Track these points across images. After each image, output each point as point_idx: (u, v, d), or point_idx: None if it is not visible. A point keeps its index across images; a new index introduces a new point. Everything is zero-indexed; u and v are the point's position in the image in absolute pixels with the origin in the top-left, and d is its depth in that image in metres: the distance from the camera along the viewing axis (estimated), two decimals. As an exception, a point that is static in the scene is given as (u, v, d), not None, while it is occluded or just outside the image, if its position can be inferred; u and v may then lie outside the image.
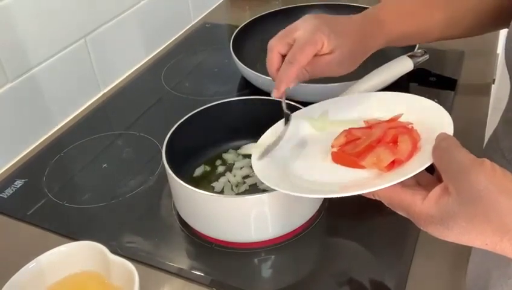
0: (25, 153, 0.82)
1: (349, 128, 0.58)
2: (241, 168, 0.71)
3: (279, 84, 0.60)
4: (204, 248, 0.62)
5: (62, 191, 0.73)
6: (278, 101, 0.71)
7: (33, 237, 0.66)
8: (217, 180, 0.70)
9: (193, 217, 0.63)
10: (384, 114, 0.59)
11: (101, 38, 0.93)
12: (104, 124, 0.87)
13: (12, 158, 0.80)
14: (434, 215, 0.41)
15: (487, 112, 0.86)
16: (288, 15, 1.00)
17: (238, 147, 0.74)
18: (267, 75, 0.83)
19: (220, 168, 0.72)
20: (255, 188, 0.68)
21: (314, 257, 0.60)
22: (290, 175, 0.55)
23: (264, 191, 0.59)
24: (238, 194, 0.67)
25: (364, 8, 1.00)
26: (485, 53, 0.97)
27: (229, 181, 0.69)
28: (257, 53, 0.97)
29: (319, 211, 0.64)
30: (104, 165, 0.77)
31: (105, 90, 0.96)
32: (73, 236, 0.64)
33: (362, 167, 0.52)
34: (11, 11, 0.75)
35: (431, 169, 0.46)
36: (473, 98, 0.87)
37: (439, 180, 0.44)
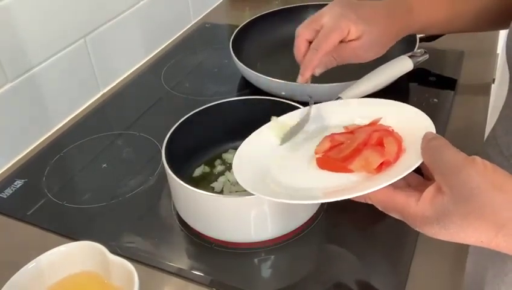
0: (24, 153, 0.82)
1: (331, 134, 0.57)
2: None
3: (304, 70, 0.61)
4: (204, 248, 0.62)
5: (62, 191, 0.73)
6: (278, 101, 0.71)
7: (33, 237, 0.66)
8: (216, 180, 0.70)
9: (193, 217, 0.63)
10: (363, 120, 0.58)
11: (101, 38, 0.93)
12: (104, 124, 0.87)
13: (12, 158, 0.80)
14: (430, 216, 0.42)
15: (487, 112, 0.86)
16: (288, 15, 1.01)
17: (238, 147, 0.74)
18: (267, 75, 0.84)
19: (220, 168, 0.72)
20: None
21: (314, 257, 0.60)
22: (272, 181, 0.54)
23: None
24: (238, 193, 0.67)
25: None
26: (485, 53, 0.97)
27: (228, 180, 0.69)
28: (257, 53, 0.97)
29: (318, 211, 0.64)
30: (104, 165, 0.77)
31: (105, 90, 0.96)
32: (73, 236, 0.64)
33: (350, 171, 0.51)
34: (11, 11, 0.75)
35: (418, 170, 0.46)
36: (472, 98, 0.87)
37: (429, 179, 0.44)
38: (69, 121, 0.89)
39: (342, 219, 0.65)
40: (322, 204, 0.65)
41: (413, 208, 0.43)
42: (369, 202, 0.47)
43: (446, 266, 0.58)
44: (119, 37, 0.97)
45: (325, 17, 0.61)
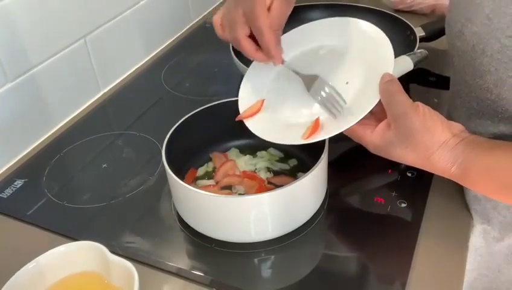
0: (25, 153, 0.81)
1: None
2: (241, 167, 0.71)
3: (271, 54, 0.60)
4: (204, 248, 0.62)
5: (62, 191, 0.73)
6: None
7: (33, 237, 0.66)
8: (217, 180, 0.70)
9: (193, 217, 0.63)
10: (333, 41, 0.66)
11: (101, 38, 0.93)
12: (104, 124, 0.87)
13: (12, 158, 0.80)
14: (379, 145, 0.57)
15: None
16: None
17: (239, 146, 0.74)
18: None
19: (220, 168, 0.72)
20: (255, 188, 0.68)
21: (314, 257, 0.60)
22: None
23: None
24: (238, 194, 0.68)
25: (365, 8, 1.01)
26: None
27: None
28: (257, 53, 0.97)
29: (318, 211, 0.64)
30: (104, 165, 0.77)
31: (105, 90, 0.96)
32: (73, 236, 0.64)
33: None
34: (11, 11, 0.75)
35: None
36: (473, 98, 0.87)
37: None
38: (69, 121, 0.89)
39: (342, 219, 0.65)
40: (323, 204, 0.65)
41: (369, 137, 0.58)
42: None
43: (446, 266, 0.58)
44: (119, 37, 0.97)
45: (237, 8, 0.60)
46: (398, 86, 0.56)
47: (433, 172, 0.56)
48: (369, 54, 0.62)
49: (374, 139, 0.57)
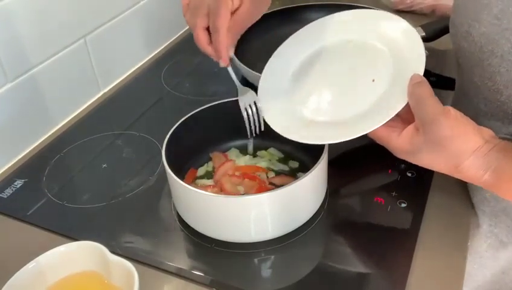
0: (25, 153, 0.81)
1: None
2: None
3: (219, 53, 0.61)
4: (204, 248, 0.62)
5: (62, 191, 0.73)
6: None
7: (33, 237, 0.66)
8: (217, 180, 0.70)
9: (193, 217, 0.63)
10: (363, 36, 0.64)
11: (101, 38, 0.93)
12: (104, 124, 0.87)
13: (12, 158, 0.80)
14: (407, 150, 0.54)
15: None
16: (288, 15, 1.01)
17: (239, 146, 0.74)
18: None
19: (220, 168, 0.72)
20: (255, 188, 0.68)
21: (314, 257, 0.60)
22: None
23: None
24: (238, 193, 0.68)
25: (365, 8, 1.01)
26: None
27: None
28: (257, 53, 0.97)
29: (318, 211, 0.64)
30: (104, 165, 0.77)
31: (105, 90, 0.96)
32: (73, 236, 0.64)
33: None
34: (11, 11, 0.75)
35: None
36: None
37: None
38: (69, 121, 0.89)
39: (342, 219, 0.65)
40: (323, 204, 0.65)
41: (395, 140, 0.55)
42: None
43: (446, 267, 0.58)
44: (119, 37, 0.97)
45: (206, 0, 0.60)
46: (429, 89, 0.53)
47: (462, 179, 0.54)
48: (400, 53, 0.60)
49: (401, 143, 0.54)
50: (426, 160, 0.53)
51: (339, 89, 0.62)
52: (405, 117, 0.55)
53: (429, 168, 0.55)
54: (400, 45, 0.60)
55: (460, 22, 0.61)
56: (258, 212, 0.59)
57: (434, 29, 0.93)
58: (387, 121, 0.54)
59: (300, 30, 0.69)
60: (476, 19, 0.57)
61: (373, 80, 0.60)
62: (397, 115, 0.55)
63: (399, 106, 0.54)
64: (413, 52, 0.58)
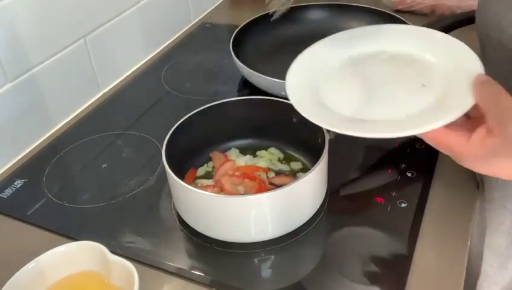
0: (25, 153, 0.81)
1: None
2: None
3: None
4: (204, 248, 0.62)
5: (62, 191, 0.73)
6: (278, 101, 0.70)
7: (33, 237, 0.66)
8: (217, 180, 0.70)
9: (193, 217, 0.63)
10: (412, 48, 0.61)
11: (101, 38, 0.93)
12: (104, 124, 0.87)
13: (12, 158, 0.80)
14: (480, 155, 0.46)
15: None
16: (288, 15, 1.00)
17: (239, 146, 0.74)
18: (267, 75, 0.84)
19: (220, 168, 0.72)
20: (255, 188, 0.68)
21: (314, 257, 0.60)
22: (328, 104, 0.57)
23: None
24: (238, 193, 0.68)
25: (365, 8, 1.01)
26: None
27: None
28: (257, 53, 0.97)
29: (318, 211, 0.64)
30: (104, 165, 0.77)
31: (105, 90, 0.96)
32: (73, 236, 0.64)
33: None
34: (11, 11, 0.75)
35: None
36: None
37: (469, 117, 0.48)
38: (69, 121, 0.89)
39: (342, 219, 0.65)
40: (323, 204, 0.65)
41: (464, 146, 0.47)
42: (421, 137, 0.50)
43: (446, 267, 0.58)
44: (119, 37, 0.97)
45: None
46: (500, 87, 0.47)
47: None
48: (447, 59, 0.57)
49: (472, 148, 0.46)
50: (504, 166, 0.46)
51: (385, 92, 0.59)
52: (466, 127, 0.48)
53: (506, 177, 0.47)
54: (452, 54, 0.58)
55: (488, 12, 0.58)
56: (258, 212, 0.59)
57: (434, 29, 0.93)
58: (452, 126, 0.48)
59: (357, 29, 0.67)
60: (507, 8, 0.55)
61: (423, 85, 0.57)
62: (453, 123, 0.49)
63: (465, 106, 0.48)
64: (466, 54, 0.56)
